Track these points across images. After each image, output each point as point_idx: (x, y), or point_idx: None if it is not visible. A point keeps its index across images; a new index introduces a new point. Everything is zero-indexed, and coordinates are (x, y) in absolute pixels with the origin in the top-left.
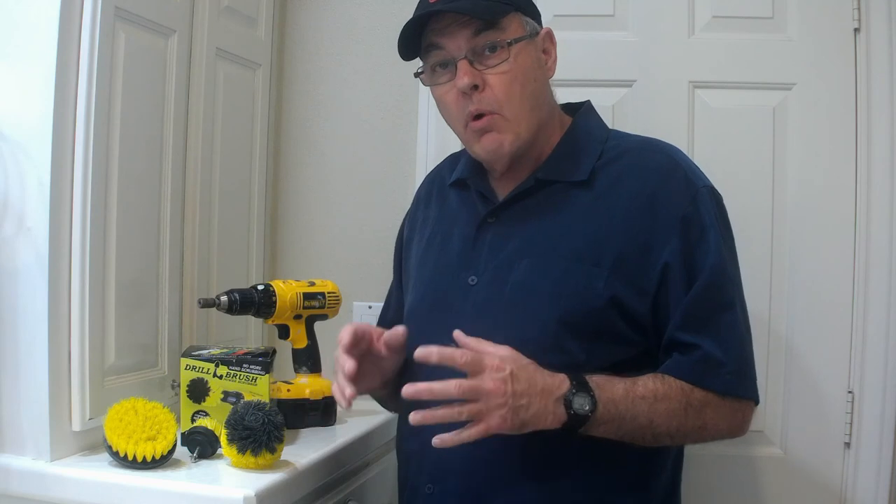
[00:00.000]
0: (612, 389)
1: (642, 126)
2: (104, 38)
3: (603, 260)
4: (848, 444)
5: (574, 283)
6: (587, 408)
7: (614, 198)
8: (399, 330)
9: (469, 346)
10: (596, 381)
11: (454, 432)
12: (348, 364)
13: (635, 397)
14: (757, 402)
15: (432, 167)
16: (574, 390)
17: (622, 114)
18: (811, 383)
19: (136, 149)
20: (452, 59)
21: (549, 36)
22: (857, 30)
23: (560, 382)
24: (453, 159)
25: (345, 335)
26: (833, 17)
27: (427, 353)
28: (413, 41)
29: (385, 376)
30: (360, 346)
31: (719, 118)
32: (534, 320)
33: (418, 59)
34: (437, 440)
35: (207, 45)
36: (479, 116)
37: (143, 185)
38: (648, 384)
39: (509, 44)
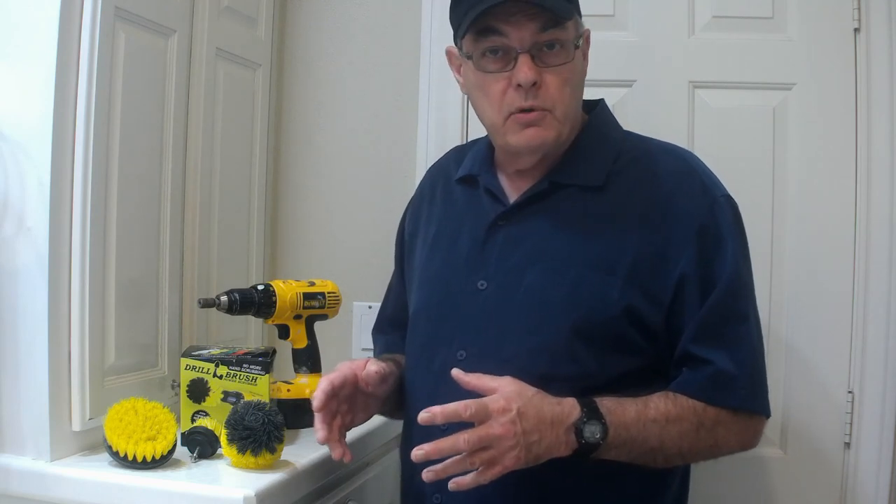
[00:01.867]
0: (623, 413)
1: (642, 126)
2: (104, 38)
3: (617, 268)
4: (848, 444)
5: (588, 292)
6: (598, 435)
7: (629, 204)
8: (371, 370)
9: (469, 384)
10: (607, 405)
11: (470, 475)
12: (320, 434)
13: (647, 420)
14: (768, 415)
15: (432, 166)
16: (585, 418)
17: (622, 114)
18: (811, 383)
19: (136, 149)
20: (512, 49)
21: (588, 38)
22: (857, 30)
23: (570, 410)
24: (459, 152)
25: (317, 398)
26: (833, 17)
27: (430, 416)
28: (462, 18)
29: (382, 398)
30: (343, 392)
31: (719, 118)
32: (546, 328)
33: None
34: (453, 485)
35: (207, 45)
36: (528, 110)
37: (143, 185)
38: (660, 406)
39: (576, 46)
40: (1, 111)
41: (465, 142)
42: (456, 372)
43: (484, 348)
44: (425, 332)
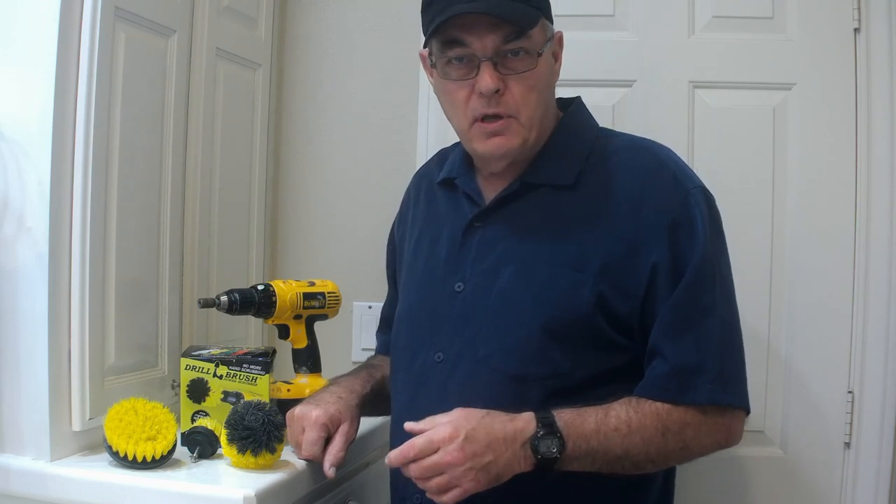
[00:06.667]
0: (582, 425)
1: (642, 126)
2: (104, 38)
3: (588, 265)
4: (848, 444)
5: (558, 290)
6: (554, 450)
7: (600, 201)
8: (338, 458)
9: (418, 430)
10: (565, 418)
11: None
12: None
13: (608, 431)
14: (747, 410)
15: (418, 171)
16: (540, 432)
17: (622, 114)
18: (811, 383)
19: (136, 149)
20: (475, 57)
21: (561, 40)
22: (857, 30)
23: (524, 425)
24: (441, 156)
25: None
26: (833, 17)
27: (389, 461)
28: (428, 25)
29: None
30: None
31: (719, 118)
32: (517, 329)
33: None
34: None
35: (207, 45)
36: (493, 119)
37: (143, 185)
38: (621, 415)
39: (539, 54)
40: (1, 111)
41: None
42: (408, 425)
43: (460, 350)
44: (407, 334)
